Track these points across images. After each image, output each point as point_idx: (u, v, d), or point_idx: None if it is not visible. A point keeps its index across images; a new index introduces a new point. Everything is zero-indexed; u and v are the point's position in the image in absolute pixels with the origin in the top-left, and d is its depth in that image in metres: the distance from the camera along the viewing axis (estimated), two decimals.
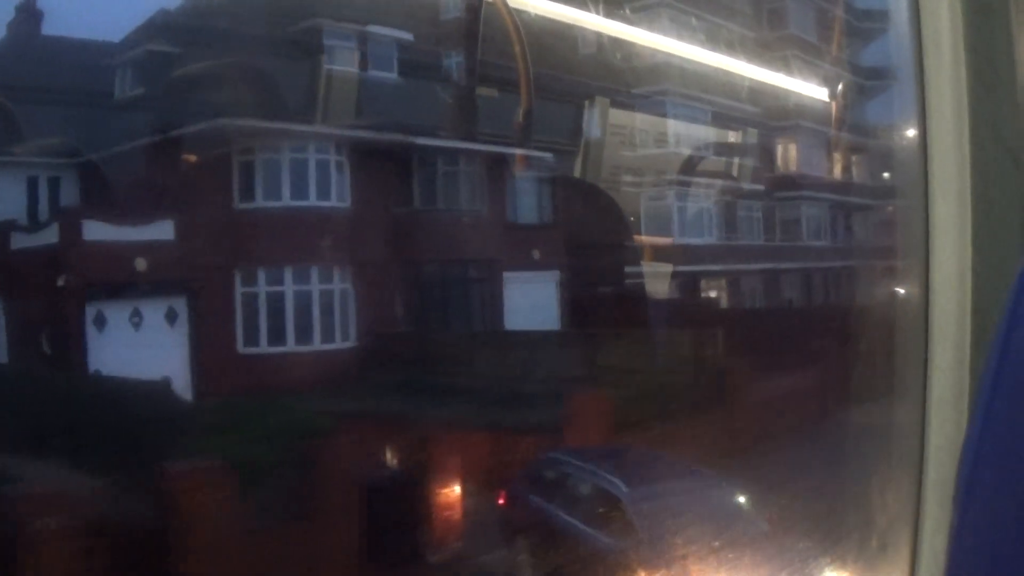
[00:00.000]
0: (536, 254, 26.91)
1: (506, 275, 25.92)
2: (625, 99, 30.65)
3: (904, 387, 2.56)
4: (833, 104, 35.40)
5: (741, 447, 17.89)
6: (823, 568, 8.01)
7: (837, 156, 40.79)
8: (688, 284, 31.22)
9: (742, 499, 11.54)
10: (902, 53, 2.60)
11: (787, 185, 36.98)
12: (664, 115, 31.82)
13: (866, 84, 34.73)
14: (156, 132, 21.35)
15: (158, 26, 23.26)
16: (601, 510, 11.16)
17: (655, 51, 30.43)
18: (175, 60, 22.51)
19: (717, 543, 10.57)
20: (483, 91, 27.18)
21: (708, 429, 18.35)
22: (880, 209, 35.63)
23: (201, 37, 22.64)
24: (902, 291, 2.68)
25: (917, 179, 2.46)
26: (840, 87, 34.13)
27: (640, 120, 31.75)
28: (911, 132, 2.53)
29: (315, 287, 21.99)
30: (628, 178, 30.53)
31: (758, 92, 33.94)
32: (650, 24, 29.49)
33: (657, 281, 30.88)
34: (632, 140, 31.39)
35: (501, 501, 12.97)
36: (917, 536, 2.35)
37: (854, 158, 40.17)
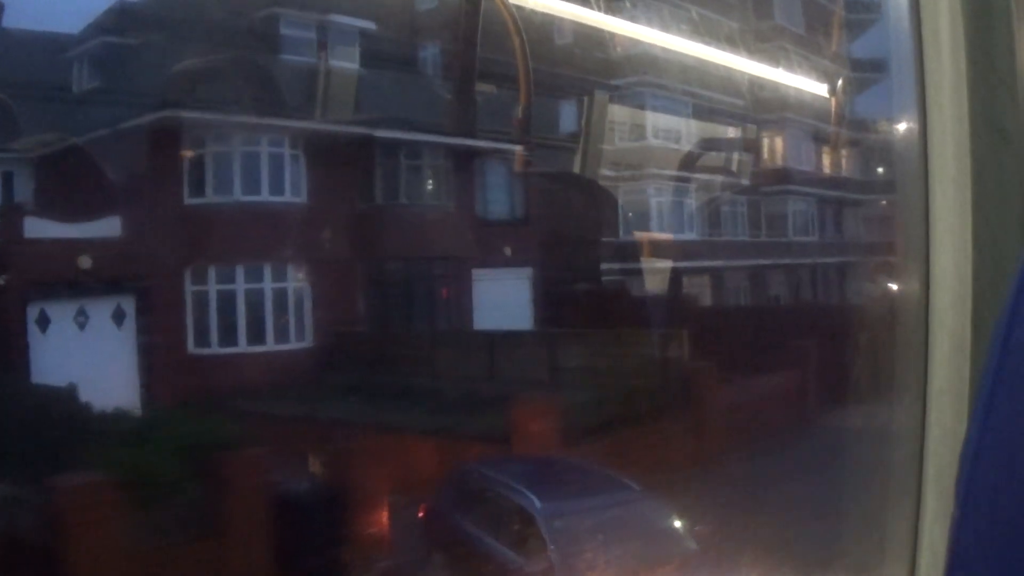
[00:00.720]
0: (508, 251, 26.09)
1: (476, 272, 25.12)
2: (603, 91, 29.78)
3: (904, 380, 2.56)
4: (829, 97, 34.57)
5: (733, 447, 17.41)
6: (823, 563, 8.14)
7: (833, 150, 39.93)
8: (672, 282, 30.36)
9: (670, 515, 10.80)
10: (900, 45, 2.58)
11: (778, 179, 36.09)
12: (644, 107, 30.91)
13: (861, 76, 33.83)
14: (103, 126, 20.59)
15: (113, 18, 22.53)
16: (514, 527, 10.43)
17: (633, 40, 29.58)
18: (128, 52, 21.73)
19: (636, 565, 9.88)
20: (483, 87, 26.47)
21: (700, 430, 17.91)
22: (877, 203, 34.89)
23: (155, 29, 21.85)
24: (902, 285, 2.69)
25: (916, 173, 2.45)
26: (834, 80, 33.31)
27: (619, 112, 30.90)
28: (910, 125, 2.53)
29: (267, 285, 21.19)
30: (607, 172, 29.66)
31: (748, 84, 33.09)
32: (626, 12, 28.67)
33: (638, 279, 30.09)
34: (610, 133, 30.51)
35: (420, 515, 12.17)
36: (917, 529, 2.36)
37: (851, 152, 39.26)
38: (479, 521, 10.94)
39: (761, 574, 11.90)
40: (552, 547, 9.74)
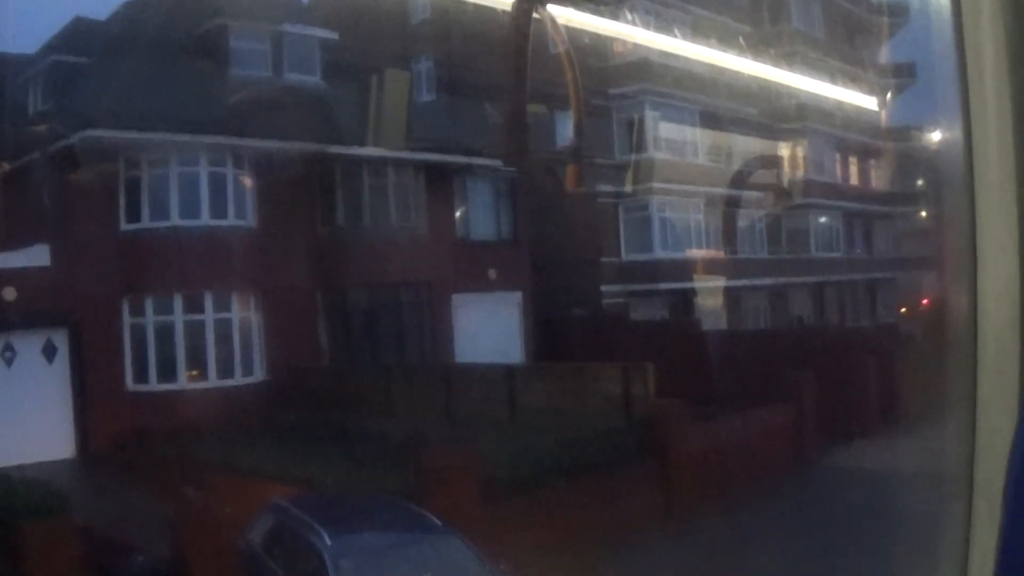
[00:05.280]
0: (493, 274, 24.30)
1: (455, 297, 23.38)
2: (599, 100, 28.01)
3: (952, 388, 2.46)
4: (878, 108, 32.87)
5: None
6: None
7: (873, 162, 38.08)
8: (680, 304, 28.52)
9: (472, 552, 9.94)
10: (940, 47, 2.45)
11: (805, 193, 34.01)
12: (655, 119, 29.07)
13: (900, 81, 32.02)
14: (30, 148, 19.27)
15: (56, 38, 21.35)
16: (305, 565, 9.80)
17: (635, 47, 27.90)
18: (59, 72, 20.45)
19: None
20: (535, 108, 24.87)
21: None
22: (922, 212, 33.06)
23: (96, 46, 20.59)
24: (950, 293, 2.59)
25: (961, 178, 2.38)
26: (882, 91, 31.69)
27: (620, 124, 29.12)
28: (952, 130, 2.43)
29: (209, 316, 19.63)
30: (604, 188, 27.83)
31: (768, 92, 31.30)
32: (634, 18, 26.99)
33: (640, 302, 28.32)
34: (609, 146, 28.72)
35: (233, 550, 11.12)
36: (968, 536, 2.28)
37: (892, 161, 37.40)
38: (277, 558, 10.33)
39: None
40: None
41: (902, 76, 31.77)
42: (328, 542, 9.69)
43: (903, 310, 34.29)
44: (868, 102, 32.96)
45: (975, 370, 2.34)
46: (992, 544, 2.14)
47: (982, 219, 2.33)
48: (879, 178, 38.56)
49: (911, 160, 31.71)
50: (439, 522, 10.47)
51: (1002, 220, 2.27)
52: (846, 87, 33.76)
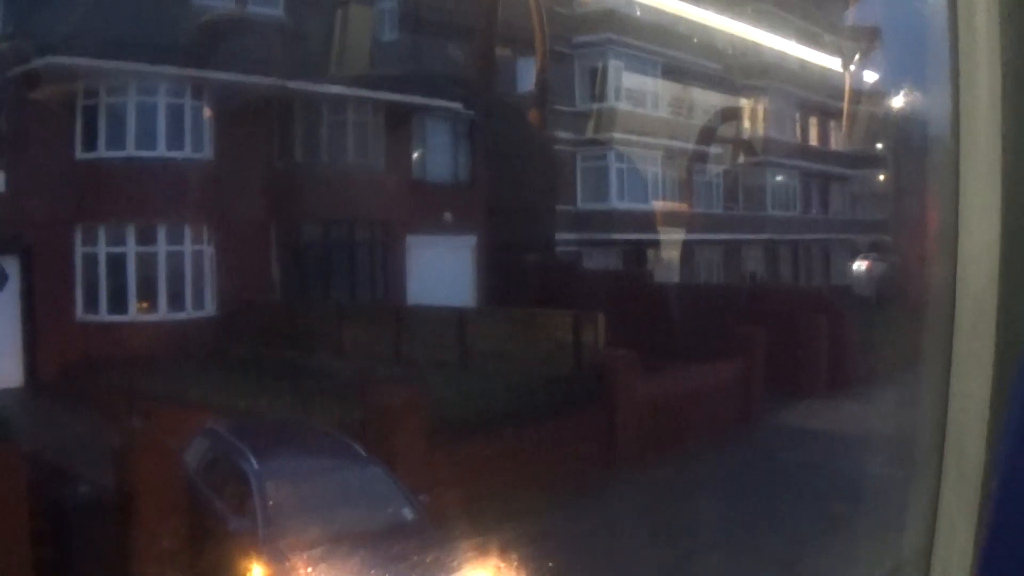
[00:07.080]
0: (448, 216, 24.34)
1: (409, 238, 23.42)
2: (563, 48, 27.97)
3: (928, 361, 2.47)
4: (857, 68, 32.85)
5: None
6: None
7: (849, 122, 38.14)
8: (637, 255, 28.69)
9: (393, 482, 10.28)
10: (932, 11, 2.45)
11: (767, 150, 34.12)
12: (617, 69, 29.04)
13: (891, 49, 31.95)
14: None
15: None
16: (231, 487, 10.12)
17: None
18: None
19: (347, 528, 9.49)
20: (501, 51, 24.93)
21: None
22: (897, 177, 33.21)
23: None
24: (929, 276, 2.60)
25: (947, 149, 2.38)
26: (860, 52, 31.63)
27: (582, 72, 29.10)
28: (939, 96, 2.43)
29: (161, 248, 19.56)
30: (563, 135, 27.85)
31: (736, 48, 31.33)
32: None
33: (593, 251, 28.48)
34: (570, 94, 28.72)
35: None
36: (936, 502, 2.32)
37: (876, 124, 37.44)
38: (210, 480, 10.58)
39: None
40: (260, 508, 9.43)
41: (881, 38, 31.76)
42: (255, 465, 9.93)
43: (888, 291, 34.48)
44: (835, 63, 33.02)
45: (951, 334, 2.35)
46: (961, 510, 2.16)
47: (966, 181, 2.33)
48: (857, 139, 38.61)
49: (894, 122, 31.78)
50: (363, 452, 10.75)
51: (986, 182, 2.27)
52: (819, 47, 33.84)
